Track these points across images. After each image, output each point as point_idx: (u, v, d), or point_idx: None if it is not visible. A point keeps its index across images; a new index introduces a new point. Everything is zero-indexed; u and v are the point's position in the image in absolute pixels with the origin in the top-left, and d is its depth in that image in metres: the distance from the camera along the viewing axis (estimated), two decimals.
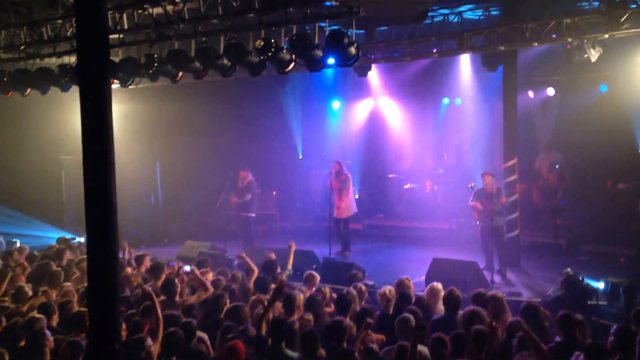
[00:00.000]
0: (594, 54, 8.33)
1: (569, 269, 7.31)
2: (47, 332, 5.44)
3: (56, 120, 13.23)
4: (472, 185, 9.53)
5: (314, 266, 9.54)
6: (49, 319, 6.08)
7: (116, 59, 8.85)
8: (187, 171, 14.24)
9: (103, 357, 4.62)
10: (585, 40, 8.33)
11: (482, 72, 11.36)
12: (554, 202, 11.93)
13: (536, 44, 8.97)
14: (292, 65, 7.62)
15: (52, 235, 12.65)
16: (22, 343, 5.47)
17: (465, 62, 12.97)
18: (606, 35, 8.14)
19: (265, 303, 6.07)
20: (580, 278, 7.20)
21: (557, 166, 12.41)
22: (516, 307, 6.03)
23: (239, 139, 14.51)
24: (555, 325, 5.28)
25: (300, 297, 6.45)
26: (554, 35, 8.57)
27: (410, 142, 14.69)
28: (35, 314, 6.02)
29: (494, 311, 5.96)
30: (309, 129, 15.40)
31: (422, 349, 5.14)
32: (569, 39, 8.51)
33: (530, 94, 13.11)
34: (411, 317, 5.47)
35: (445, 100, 14.66)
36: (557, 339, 5.16)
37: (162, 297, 6.83)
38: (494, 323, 4.71)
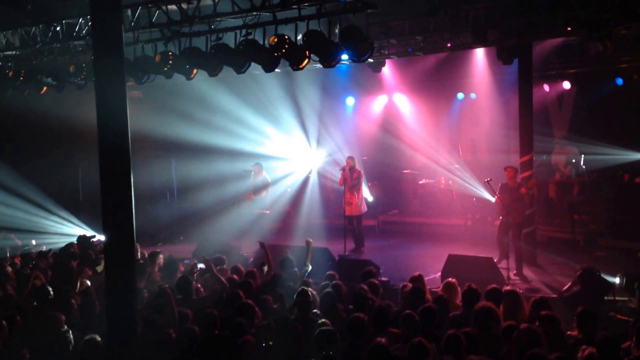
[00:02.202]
0: (610, 46, 8.19)
1: (585, 265, 7.22)
2: (67, 330, 5.50)
3: (72, 117, 13.36)
4: (489, 180, 9.43)
5: (329, 263, 9.53)
6: (69, 317, 6.16)
7: (131, 57, 8.91)
8: (202, 168, 14.30)
9: (120, 354, 4.68)
10: (601, 33, 8.19)
11: (497, 65, 11.24)
12: (570, 197, 11.79)
13: (552, 37, 8.84)
14: (306, 61, 7.61)
15: (70, 233, 12.81)
16: (43, 341, 5.54)
17: (479, 56, 12.86)
18: (622, 27, 8.00)
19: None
20: (597, 273, 7.11)
21: (573, 160, 12.26)
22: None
23: (253, 135, 14.51)
24: (574, 321, 5.22)
25: (314, 294, 6.47)
26: (569, 28, 8.44)
27: (425, 138, 14.60)
28: (54, 312, 6.10)
29: (510, 307, 5.91)
30: (323, 125, 15.38)
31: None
32: (585, 31, 8.37)
33: (546, 87, 12.95)
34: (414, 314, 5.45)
35: (460, 95, 14.55)
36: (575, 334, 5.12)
37: (178, 295, 6.88)
38: None
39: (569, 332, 5.26)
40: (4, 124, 13.85)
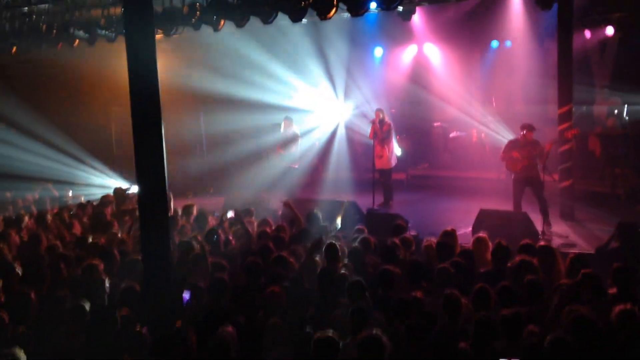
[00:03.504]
0: None
1: (625, 220, 7.03)
2: (105, 278, 5.66)
3: (104, 71, 13.46)
4: (524, 132, 9.17)
5: (357, 217, 9.53)
6: (108, 265, 6.34)
7: (159, 9, 8.83)
8: (230, 121, 14.31)
9: (156, 302, 4.82)
10: None
11: (534, 10, 10.74)
12: (612, 150, 11.39)
13: None
14: (334, 10, 7.40)
15: (105, 185, 13.11)
16: (84, 288, 5.73)
17: (516, 1, 12.30)
18: None
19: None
20: (638, 229, 6.92)
21: (615, 112, 11.81)
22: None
23: (281, 88, 14.38)
24: (610, 278, 5.12)
25: (343, 248, 6.49)
26: None
27: (457, 89, 14.21)
28: (93, 260, 6.28)
29: (544, 263, 5.82)
30: (351, 77, 15.11)
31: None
32: None
33: (587, 33, 12.36)
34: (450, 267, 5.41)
35: (494, 43, 14.05)
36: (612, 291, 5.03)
37: (207, 247, 7.00)
38: None
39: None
40: (40, 78, 14.08)
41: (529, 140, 9.05)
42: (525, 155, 8.99)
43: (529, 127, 9.10)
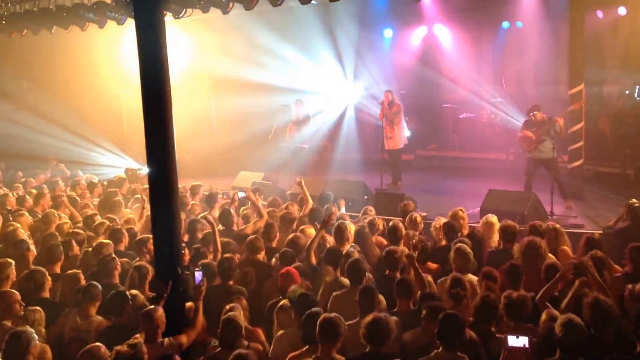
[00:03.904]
0: None
1: (634, 200, 7.00)
2: (115, 257, 5.76)
3: (114, 54, 13.52)
4: (534, 114, 9.12)
5: (366, 197, 9.57)
6: (118, 245, 6.44)
7: None
8: (240, 102, 14.33)
9: (167, 280, 4.90)
10: None
11: None
12: (623, 130, 11.30)
13: None
14: None
15: (115, 165, 13.23)
16: (95, 267, 5.83)
17: None
18: None
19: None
20: None
21: (627, 92, 11.67)
22: (577, 240, 5.87)
23: (291, 70, 14.34)
24: (625, 256, 5.13)
25: (351, 228, 6.54)
26: None
27: (467, 70, 14.08)
28: (103, 239, 6.39)
29: (552, 243, 5.85)
30: (361, 59, 15.01)
31: (472, 278, 5.15)
32: None
33: (600, 14, 12.16)
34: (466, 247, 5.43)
35: (505, 24, 13.85)
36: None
37: (220, 227, 7.08)
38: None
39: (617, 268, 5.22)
40: (51, 60, 14.15)
41: (540, 120, 9.02)
42: (539, 135, 8.95)
43: (536, 108, 9.09)
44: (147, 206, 6.51)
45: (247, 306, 4.87)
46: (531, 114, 9.11)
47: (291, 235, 6.25)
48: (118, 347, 3.87)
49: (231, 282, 5.41)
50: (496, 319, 4.35)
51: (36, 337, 4.07)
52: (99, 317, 4.93)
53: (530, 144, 9.09)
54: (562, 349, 3.76)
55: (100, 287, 5.07)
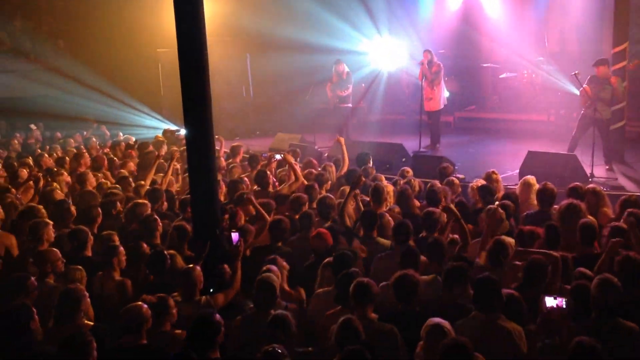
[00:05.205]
0: None
1: None
2: (157, 217, 5.81)
3: (150, 13, 13.52)
4: (577, 73, 8.75)
5: (404, 159, 9.50)
6: (158, 205, 6.55)
7: None
8: (277, 63, 14.23)
9: (206, 241, 5.01)
10: None
11: None
12: None
13: None
14: None
15: (154, 126, 13.42)
16: (134, 226, 5.92)
17: None
18: None
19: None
20: None
21: None
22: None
23: (328, 29, 14.08)
24: None
25: (389, 189, 6.52)
26: None
27: (507, 29, 13.57)
28: (142, 199, 6.50)
29: (592, 206, 5.71)
30: (397, 19, 14.60)
31: (510, 240, 5.07)
32: None
33: None
34: (498, 209, 5.35)
35: None
36: None
37: (256, 187, 7.16)
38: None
39: None
40: (88, 19, 14.28)
41: (599, 77, 8.65)
42: (594, 92, 8.61)
43: (600, 62, 8.69)
44: (184, 167, 6.54)
45: (287, 266, 4.91)
46: (596, 69, 8.68)
47: (322, 196, 6.24)
48: (145, 296, 4.02)
49: (279, 244, 5.41)
50: (544, 282, 4.22)
51: (86, 294, 4.20)
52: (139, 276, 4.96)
53: (586, 99, 8.75)
54: (598, 309, 3.72)
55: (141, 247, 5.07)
